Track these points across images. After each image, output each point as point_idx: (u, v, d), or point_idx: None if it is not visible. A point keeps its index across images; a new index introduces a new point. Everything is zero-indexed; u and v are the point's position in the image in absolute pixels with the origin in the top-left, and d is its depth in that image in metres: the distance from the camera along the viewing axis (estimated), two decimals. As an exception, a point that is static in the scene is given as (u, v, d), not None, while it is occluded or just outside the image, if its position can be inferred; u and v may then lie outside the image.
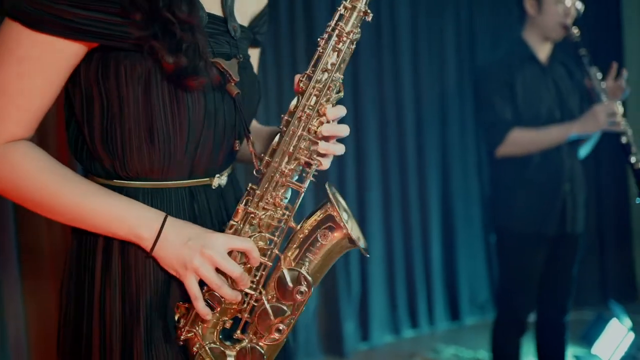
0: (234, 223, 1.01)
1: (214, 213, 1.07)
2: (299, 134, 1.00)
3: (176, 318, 1.01)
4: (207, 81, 0.97)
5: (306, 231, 1.04)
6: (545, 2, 2.40)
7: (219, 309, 0.99)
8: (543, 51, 2.50)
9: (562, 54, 2.56)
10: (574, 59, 2.50)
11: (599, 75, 2.36)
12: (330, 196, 1.04)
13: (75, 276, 1.02)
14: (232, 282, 0.98)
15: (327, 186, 1.07)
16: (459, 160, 3.88)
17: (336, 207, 1.03)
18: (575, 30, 2.38)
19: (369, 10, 1.01)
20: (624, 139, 2.25)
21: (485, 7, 3.95)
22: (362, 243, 1.07)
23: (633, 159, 2.20)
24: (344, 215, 1.05)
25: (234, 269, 0.96)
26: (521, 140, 2.41)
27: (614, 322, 3.24)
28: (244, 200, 1.01)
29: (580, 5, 2.42)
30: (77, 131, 1.02)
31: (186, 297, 0.98)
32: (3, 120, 0.93)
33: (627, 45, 4.26)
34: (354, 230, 1.07)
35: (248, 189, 1.02)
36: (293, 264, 1.03)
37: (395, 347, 3.67)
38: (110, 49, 0.94)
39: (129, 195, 0.99)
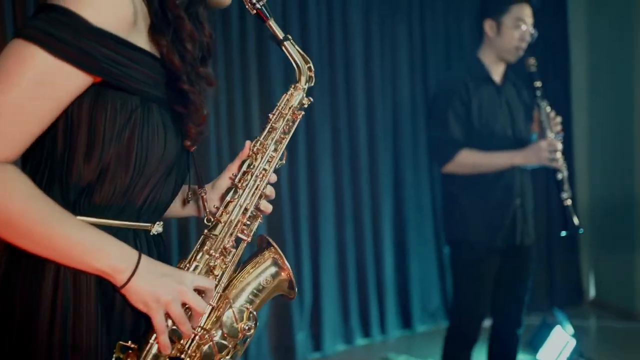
0: (197, 264, 1.10)
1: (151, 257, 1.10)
2: (252, 191, 1.17)
3: (114, 358, 1.01)
4: (204, 132, 1.12)
5: (249, 274, 1.18)
6: (504, 26, 2.48)
7: (177, 345, 1.05)
8: (497, 71, 2.58)
9: (512, 73, 2.64)
10: (522, 80, 2.59)
11: (549, 109, 2.45)
12: (271, 241, 1.21)
13: (9, 304, 0.99)
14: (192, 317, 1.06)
15: (264, 236, 1.23)
16: (411, 171, 3.93)
17: (279, 251, 1.20)
18: (532, 61, 2.47)
19: (306, 100, 1.25)
20: (559, 176, 2.39)
21: (438, 21, 4.01)
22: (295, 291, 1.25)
23: (564, 195, 2.36)
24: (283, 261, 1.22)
25: (201, 306, 1.03)
26: (468, 162, 2.49)
27: (557, 328, 3.33)
28: (202, 246, 1.12)
29: (534, 32, 2.51)
30: (42, 159, 1.01)
31: (130, 335, 1.02)
32: (1, 140, 0.93)
33: (574, 59, 4.41)
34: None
35: (204, 234, 1.13)
36: (232, 303, 1.13)
37: (348, 356, 3.70)
38: (107, 84, 0.98)
39: None
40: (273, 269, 1.20)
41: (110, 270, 0.97)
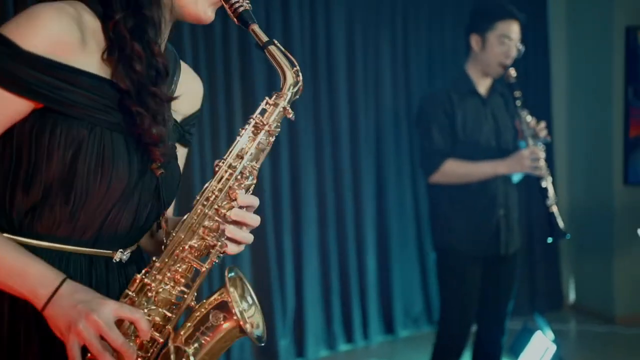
0: (129, 293, 1.02)
1: (112, 286, 1.08)
2: (205, 212, 1.04)
3: None
4: (169, 154, 1.06)
5: (202, 312, 1.04)
6: (489, 42, 2.52)
7: None
8: (483, 84, 2.62)
9: (500, 85, 2.67)
10: (510, 92, 2.62)
11: (529, 119, 2.48)
12: (227, 282, 1.05)
13: None
14: (117, 353, 0.96)
15: (227, 271, 1.08)
16: (393, 177, 3.95)
17: (230, 294, 1.04)
18: (512, 72, 2.50)
19: (290, 110, 1.08)
20: (543, 183, 2.42)
21: (420, 31, 4.03)
22: (259, 331, 1.08)
23: (548, 202, 2.40)
24: (243, 304, 1.07)
25: (116, 339, 0.93)
26: (453, 172, 2.52)
27: (538, 334, 3.36)
28: (143, 271, 1.03)
29: (521, 47, 2.53)
30: None
31: None
32: None
33: (554, 67, 4.46)
34: (255, 317, 1.08)
35: (151, 261, 1.05)
36: (183, 343, 1.03)
37: (331, 361, 3.70)
38: (50, 110, 0.97)
39: (35, 254, 0.99)
40: (222, 314, 1.04)
41: (30, 295, 0.96)
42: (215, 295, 1.05)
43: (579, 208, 4.43)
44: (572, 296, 4.59)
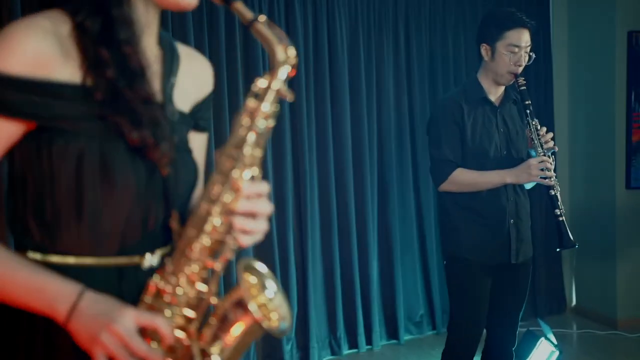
0: (146, 300, 1.00)
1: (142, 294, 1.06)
2: (210, 209, 0.99)
3: None
4: (167, 155, 1.01)
5: (222, 310, 1.01)
6: (498, 51, 2.51)
7: None
8: (495, 92, 2.61)
9: (514, 92, 2.65)
10: (520, 100, 2.61)
11: (539, 127, 2.48)
12: (241, 279, 1.01)
13: None
14: None
15: (241, 267, 1.03)
16: (396, 182, 3.95)
17: (246, 290, 1.00)
18: (521, 80, 2.49)
19: (285, 90, 1.01)
20: (552, 192, 2.40)
21: (422, 36, 4.02)
22: (285, 323, 1.04)
23: (557, 212, 2.40)
24: (263, 297, 1.03)
25: (139, 347, 0.93)
26: (462, 180, 2.52)
27: (542, 340, 3.37)
28: (158, 276, 1.01)
29: (532, 55, 2.53)
30: (13, 208, 1.03)
31: None
32: None
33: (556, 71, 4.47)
34: (281, 306, 1.04)
35: (163, 263, 1.02)
36: (208, 343, 1.00)
37: (334, 366, 3.72)
38: (44, 129, 0.96)
39: (60, 272, 0.98)
40: (240, 311, 1.00)
41: (50, 312, 0.95)
42: (234, 293, 1.01)
43: (581, 212, 4.44)
44: (574, 300, 4.61)
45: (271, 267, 3.52)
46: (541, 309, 4.39)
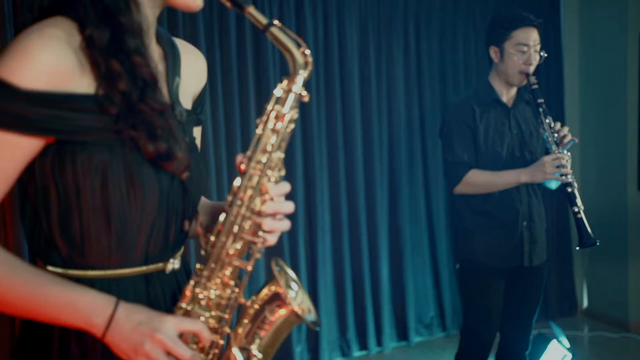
0: (183, 305, 1.02)
1: (168, 299, 1.08)
2: (242, 213, 1.01)
3: None
4: (184, 163, 1.01)
5: (256, 307, 1.06)
6: (507, 52, 2.50)
7: None
8: (508, 93, 2.60)
9: (527, 92, 2.64)
10: (532, 99, 2.60)
11: (552, 124, 2.46)
12: (276, 273, 1.06)
13: None
14: None
15: (273, 262, 1.09)
16: (406, 184, 3.95)
17: (281, 284, 1.05)
18: (533, 79, 2.47)
19: (304, 93, 1.03)
20: (569, 189, 2.37)
21: (433, 39, 4.01)
22: (312, 316, 1.09)
23: (575, 209, 2.36)
24: (291, 292, 1.07)
25: (185, 353, 0.95)
26: (476, 181, 2.51)
27: (553, 342, 3.36)
28: (192, 282, 1.03)
29: (543, 53, 2.51)
30: (33, 222, 1.01)
31: None
32: None
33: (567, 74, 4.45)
34: (304, 303, 1.09)
35: (196, 269, 1.03)
36: (244, 341, 1.05)
37: (345, 368, 3.72)
38: (65, 142, 0.95)
39: (86, 285, 0.98)
40: (276, 305, 1.07)
41: (85, 326, 0.95)
42: (266, 289, 1.06)
43: (593, 214, 4.40)
44: (585, 302, 4.59)
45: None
46: (552, 311, 4.37)
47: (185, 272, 1.16)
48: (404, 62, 3.92)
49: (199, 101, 1.21)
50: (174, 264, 1.10)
